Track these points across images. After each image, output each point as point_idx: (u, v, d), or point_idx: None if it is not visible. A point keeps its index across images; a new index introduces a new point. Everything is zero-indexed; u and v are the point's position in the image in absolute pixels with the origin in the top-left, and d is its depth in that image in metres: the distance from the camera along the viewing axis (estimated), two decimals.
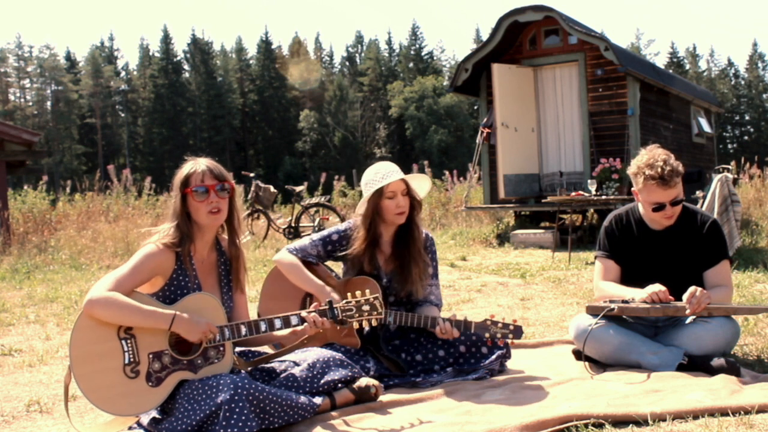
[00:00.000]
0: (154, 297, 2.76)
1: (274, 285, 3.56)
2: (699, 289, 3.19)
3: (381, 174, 3.43)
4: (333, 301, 2.95)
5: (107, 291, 2.62)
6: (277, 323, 2.85)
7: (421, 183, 3.57)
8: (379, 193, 3.39)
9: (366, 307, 2.92)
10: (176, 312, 2.67)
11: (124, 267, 2.74)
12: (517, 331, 3.33)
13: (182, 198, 2.82)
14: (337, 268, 3.68)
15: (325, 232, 3.55)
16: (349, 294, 2.97)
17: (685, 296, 3.19)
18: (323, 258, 3.53)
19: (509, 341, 3.36)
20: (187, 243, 2.81)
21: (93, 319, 2.60)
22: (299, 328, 2.91)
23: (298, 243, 3.53)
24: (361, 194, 3.60)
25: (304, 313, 2.90)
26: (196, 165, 2.86)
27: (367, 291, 2.97)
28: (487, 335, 3.32)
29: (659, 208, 3.38)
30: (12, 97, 62.66)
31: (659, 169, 3.31)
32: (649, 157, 3.38)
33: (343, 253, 3.49)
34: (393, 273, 3.49)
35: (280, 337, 3.00)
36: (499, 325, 3.32)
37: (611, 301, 3.30)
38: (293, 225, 11.15)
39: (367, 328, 2.96)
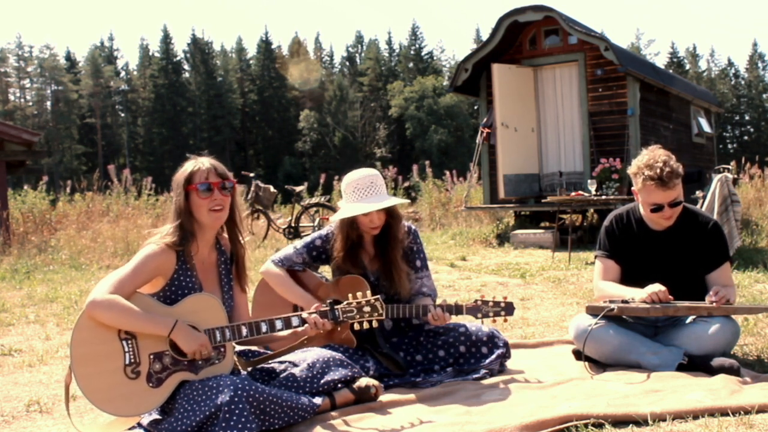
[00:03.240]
0: (155, 297, 2.76)
1: (264, 296, 3.57)
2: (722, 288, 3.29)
3: (359, 192, 3.37)
4: (334, 301, 2.96)
5: (109, 293, 2.62)
6: (278, 324, 2.85)
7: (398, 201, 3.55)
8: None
9: (367, 308, 2.93)
10: (177, 320, 2.66)
11: (126, 268, 2.73)
12: (509, 308, 3.33)
13: (185, 195, 2.81)
14: (327, 271, 3.68)
15: (308, 239, 3.56)
16: (350, 295, 2.97)
17: (708, 296, 3.26)
18: (309, 264, 3.53)
19: (503, 318, 3.34)
20: (189, 242, 2.81)
21: (94, 320, 2.60)
22: (300, 329, 2.91)
23: (282, 253, 3.54)
24: None
25: (305, 315, 2.90)
26: (200, 163, 2.86)
27: (368, 292, 2.97)
28: (479, 315, 3.31)
29: (657, 209, 3.39)
30: (12, 97, 62.65)
31: (658, 170, 3.30)
32: (649, 157, 3.38)
33: (328, 256, 3.50)
34: (379, 272, 3.49)
35: (281, 337, 3.00)
36: (490, 303, 3.32)
37: (611, 301, 3.30)
38: (293, 225, 11.15)
39: (366, 327, 2.96)
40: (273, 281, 3.47)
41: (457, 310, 3.31)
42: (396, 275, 3.43)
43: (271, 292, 3.51)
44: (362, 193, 3.38)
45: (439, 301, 3.50)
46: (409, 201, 3.71)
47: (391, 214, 3.45)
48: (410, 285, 3.48)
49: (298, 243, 3.55)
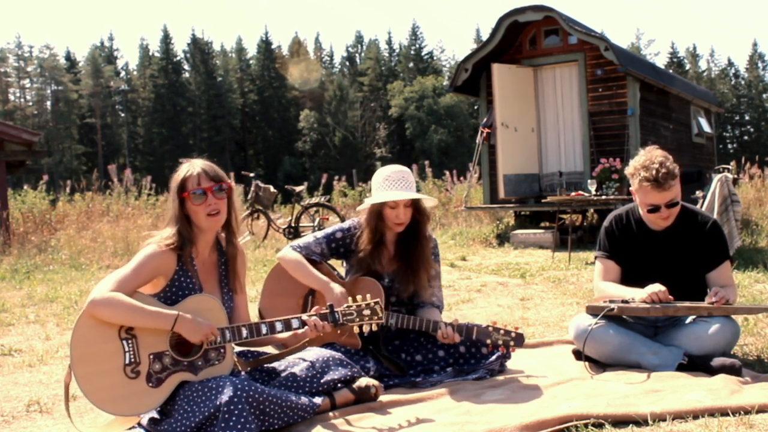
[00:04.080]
0: (155, 298, 2.75)
1: (276, 282, 3.55)
2: (721, 288, 3.28)
3: (389, 182, 3.40)
4: (334, 305, 2.96)
5: (109, 291, 2.62)
6: (278, 326, 2.85)
7: (426, 201, 3.56)
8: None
9: (367, 312, 2.92)
10: (179, 312, 2.67)
11: (126, 267, 2.73)
12: (519, 339, 3.34)
13: (180, 202, 2.80)
14: (339, 267, 3.68)
15: (329, 230, 3.53)
16: (350, 298, 2.97)
17: (708, 297, 3.26)
18: (326, 256, 3.52)
19: (511, 347, 3.37)
20: (188, 246, 2.81)
21: (94, 319, 2.60)
22: (300, 331, 2.91)
23: (302, 240, 3.52)
24: (361, 194, 3.61)
25: (305, 317, 2.89)
26: (192, 168, 2.83)
27: (368, 295, 2.97)
28: (488, 341, 3.32)
29: (654, 209, 3.38)
30: (12, 97, 62.63)
31: (654, 172, 3.30)
32: (646, 158, 3.37)
33: (347, 251, 3.49)
34: (395, 273, 3.48)
35: (281, 339, 3.00)
36: (501, 332, 3.32)
37: (611, 301, 3.30)
38: (293, 225, 11.15)
39: (367, 330, 2.95)
40: (290, 265, 3.44)
41: (467, 332, 3.31)
42: (425, 274, 3.43)
43: (282, 280, 3.49)
44: (392, 184, 3.40)
45: (446, 314, 3.51)
46: (437, 201, 3.71)
47: (419, 210, 3.45)
48: (429, 291, 3.49)
49: (319, 233, 3.53)
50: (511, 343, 3.32)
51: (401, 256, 3.47)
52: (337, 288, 3.29)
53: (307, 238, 3.53)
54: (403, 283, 3.46)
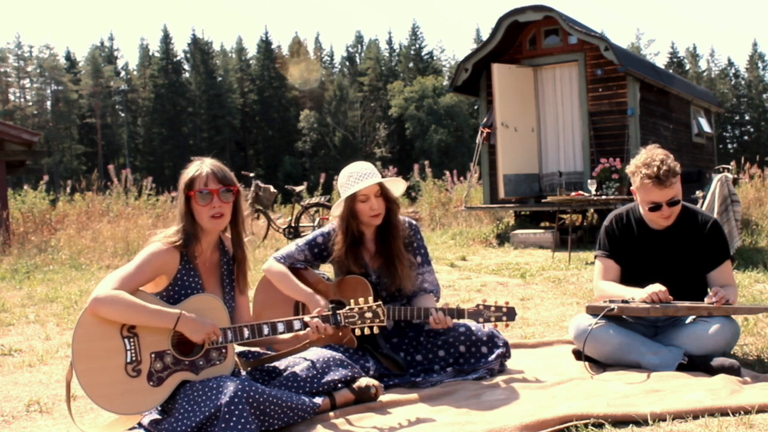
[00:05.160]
0: (158, 296, 2.76)
1: (265, 294, 3.56)
2: (721, 288, 3.28)
3: (354, 177, 3.42)
4: (336, 306, 2.96)
5: (112, 289, 2.62)
6: (280, 327, 2.86)
7: (396, 185, 3.57)
8: (352, 197, 3.40)
9: (368, 314, 2.92)
10: (182, 311, 2.67)
11: (130, 265, 2.74)
12: (511, 313, 3.32)
13: (186, 200, 2.82)
14: (329, 270, 3.68)
15: (309, 237, 3.56)
16: (352, 300, 2.97)
17: (707, 297, 3.25)
18: (311, 262, 3.54)
19: (504, 323, 3.35)
20: (193, 244, 2.82)
21: (96, 316, 2.60)
22: (302, 332, 2.91)
23: (284, 250, 3.54)
24: None
25: (307, 318, 2.90)
26: (201, 167, 2.84)
27: (370, 298, 2.97)
28: (480, 320, 3.31)
29: (656, 207, 3.39)
30: (12, 97, 62.61)
31: (655, 169, 3.31)
32: (647, 156, 3.38)
33: (330, 254, 3.50)
34: (381, 269, 3.48)
35: (282, 340, 3.00)
36: (492, 308, 3.31)
37: (611, 301, 3.30)
38: (293, 225, 11.15)
39: (368, 333, 2.95)
40: (275, 278, 3.47)
41: (458, 314, 3.30)
42: (399, 266, 3.41)
43: (271, 291, 3.51)
44: (358, 177, 3.40)
45: (440, 303, 3.49)
46: (406, 183, 3.69)
47: (389, 199, 3.45)
48: (413, 278, 3.48)
49: (300, 240, 3.56)
50: (504, 318, 3.31)
51: (383, 251, 3.47)
52: (322, 301, 3.31)
53: (290, 246, 3.55)
54: (389, 277, 3.46)
